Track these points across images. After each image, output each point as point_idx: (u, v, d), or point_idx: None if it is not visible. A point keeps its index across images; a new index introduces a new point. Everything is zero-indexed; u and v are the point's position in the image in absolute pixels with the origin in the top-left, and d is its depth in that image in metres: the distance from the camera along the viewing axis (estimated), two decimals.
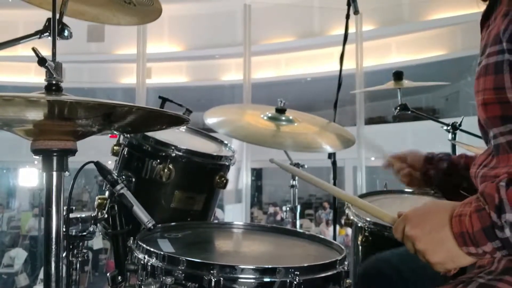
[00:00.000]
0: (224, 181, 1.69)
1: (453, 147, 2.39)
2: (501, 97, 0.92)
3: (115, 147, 1.72)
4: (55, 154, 0.99)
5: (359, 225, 1.69)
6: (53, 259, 0.99)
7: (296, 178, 2.52)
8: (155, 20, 1.46)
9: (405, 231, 0.92)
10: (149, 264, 1.14)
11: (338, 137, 1.91)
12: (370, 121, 13.12)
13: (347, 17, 2.18)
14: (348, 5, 2.15)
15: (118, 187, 1.22)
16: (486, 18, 1.06)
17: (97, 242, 8.54)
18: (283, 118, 1.86)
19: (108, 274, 1.62)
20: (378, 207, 1.04)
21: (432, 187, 1.46)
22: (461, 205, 0.88)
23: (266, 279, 1.06)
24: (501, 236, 0.81)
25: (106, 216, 1.58)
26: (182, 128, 1.95)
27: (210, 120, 1.80)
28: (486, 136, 1.03)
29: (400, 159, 1.51)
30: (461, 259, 0.87)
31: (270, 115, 1.87)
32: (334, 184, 2.38)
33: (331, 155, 2.32)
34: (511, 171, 0.87)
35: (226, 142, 1.91)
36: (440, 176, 1.38)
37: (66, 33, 1.14)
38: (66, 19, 1.16)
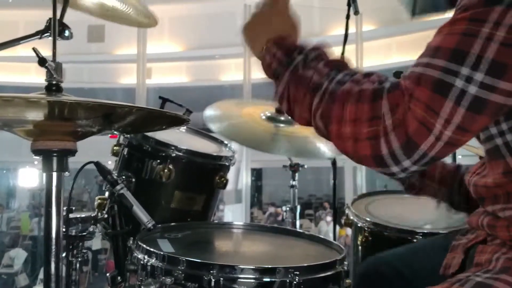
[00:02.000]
0: (224, 181, 1.69)
1: None
2: None
3: (115, 148, 1.72)
4: (55, 154, 0.99)
5: (359, 225, 1.69)
6: (53, 259, 0.99)
7: (296, 178, 2.52)
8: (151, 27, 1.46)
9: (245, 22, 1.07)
10: (149, 264, 1.14)
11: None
12: None
13: (347, 17, 2.18)
14: (348, 5, 2.15)
15: (118, 187, 1.22)
16: None
17: (96, 243, 8.54)
18: (282, 118, 1.86)
19: (108, 274, 1.62)
20: None
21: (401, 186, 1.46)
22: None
23: (266, 279, 1.06)
24: (295, 56, 0.93)
25: (106, 216, 1.58)
26: (182, 128, 1.96)
27: (209, 113, 1.77)
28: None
29: None
30: (256, 48, 1.04)
31: (269, 114, 1.86)
32: (334, 183, 2.39)
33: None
34: (497, 182, 0.88)
35: (226, 142, 1.91)
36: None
37: (66, 33, 1.14)
38: (66, 20, 1.16)
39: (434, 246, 1.22)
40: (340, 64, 0.90)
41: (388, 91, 0.79)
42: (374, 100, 0.79)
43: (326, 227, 10.37)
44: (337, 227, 3.99)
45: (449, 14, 0.85)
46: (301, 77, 0.90)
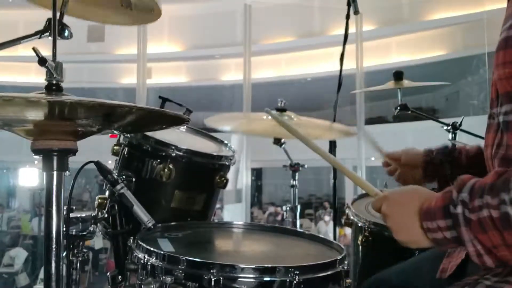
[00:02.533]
0: (224, 181, 1.69)
1: (453, 147, 2.39)
2: None
3: (115, 147, 1.72)
4: (55, 154, 0.99)
5: (359, 225, 1.69)
6: (53, 258, 0.99)
7: (296, 178, 2.52)
8: (154, 21, 1.46)
9: (381, 208, 0.97)
10: (149, 263, 1.14)
11: (340, 135, 1.92)
12: (370, 121, 13.11)
13: (347, 17, 2.18)
14: (348, 5, 2.15)
15: (118, 186, 1.22)
16: None
17: (98, 242, 8.54)
18: (285, 117, 1.86)
19: (108, 274, 1.62)
20: (365, 180, 1.10)
21: (433, 181, 1.48)
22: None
23: (266, 279, 1.06)
24: (453, 211, 0.83)
25: (106, 215, 1.58)
26: (182, 128, 1.96)
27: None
28: (492, 112, 1.00)
29: (394, 159, 1.52)
30: (422, 241, 0.90)
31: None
32: (334, 183, 2.38)
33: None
34: None
35: (226, 142, 1.91)
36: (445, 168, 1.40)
37: (66, 33, 1.14)
38: (66, 19, 1.16)
39: (430, 257, 1.22)
40: (500, 180, 0.80)
41: None
42: None
43: (325, 227, 10.38)
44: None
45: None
46: (481, 223, 0.79)
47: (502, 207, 0.77)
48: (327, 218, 10.78)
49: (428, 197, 0.90)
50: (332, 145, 2.14)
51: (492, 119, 1.00)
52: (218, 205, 9.71)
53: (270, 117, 1.82)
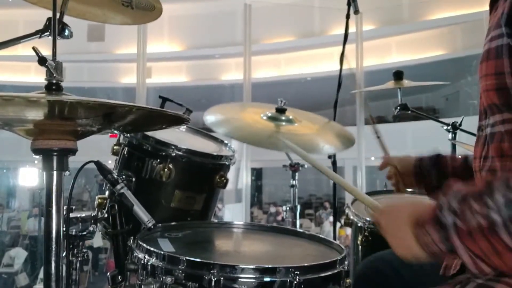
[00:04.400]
0: (224, 180, 1.69)
1: (453, 146, 2.39)
2: (501, 83, 0.90)
3: (115, 147, 1.72)
4: (55, 153, 0.99)
5: (359, 225, 1.70)
6: (53, 258, 0.99)
7: (296, 178, 2.52)
8: (154, 20, 1.46)
9: (379, 221, 0.98)
10: (149, 263, 1.14)
11: (338, 137, 1.91)
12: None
13: (347, 17, 2.19)
14: (348, 5, 2.15)
15: (118, 186, 1.22)
16: (494, 0, 1.02)
17: (97, 240, 8.54)
18: (283, 118, 1.86)
19: (108, 274, 1.62)
20: (365, 194, 1.12)
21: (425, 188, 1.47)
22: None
23: (266, 279, 1.06)
24: (444, 222, 0.81)
25: (106, 215, 1.58)
26: (182, 128, 1.95)
27: (210, 118, 1.80)
28: (481, 124, 1.02)
29: (392, 166, 1.53)
30: (421, 255, 0.89)
31: (270, 114, 1.87)
32: (334, 184, 2.38)
33: (331, 155, 2.32)
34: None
35: (226, 141, 1.91)
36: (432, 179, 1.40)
37: (66, 32, 1.14)
38: (66, 19, 1.16)
39: None
40: (486, 188, 0.80)
41: None
42: None
43: (329, 227, 10.39)
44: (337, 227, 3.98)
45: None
46: (472, 232, 0.79)
47: (488, 213, 0.76)
48: (331, 218, 10.79)
49: (421, 210, 0.89)
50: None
51: (481, 131, 1.01)
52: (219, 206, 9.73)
53: (265, 118, 1.82)
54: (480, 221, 0.77)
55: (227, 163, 1.72)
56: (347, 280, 1.17)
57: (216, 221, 1.76)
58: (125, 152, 1.69)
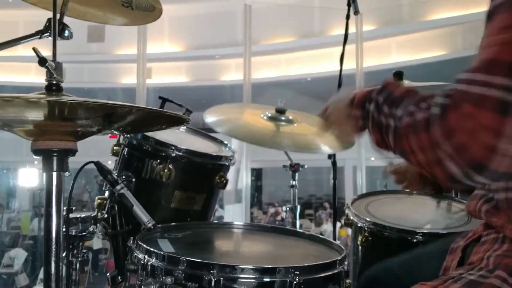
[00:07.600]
0: (224, 181, 1.69)
1: None
2: None
3: (115, 147, 1.72)
4: (55, 154, 0.99)
5: (359, 225, 1.69)
6: (53, 259, 0.99)
7: (296, 178, 2.52)
8: (154, 21, 1.46)
9: (326, 116, 1.16)
10: (149, 264, 1.14)
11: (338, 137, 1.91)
12: None
13: (347, 17, 2.19)
14: (348, 5, 2.15)
15: (118, 187, 1.22)
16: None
17: (97, 243, 8.55)
18: (283, 118, 1.86)
19: (108, 274, 1.62)
20: None
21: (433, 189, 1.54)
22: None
23: (266, 279, 1.06)
24: (366, 106, 0.98)
25: (106, 216, 1.58)
26: (182, 128, 1.95)
27: (210, 118, 1.80)
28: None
29: (400, 173, 1.59)
30: (350, 128, 1.05)
31: (270, 115, 1.87)
32: (334, 183, 2.39)
33: (331, 155, 2.32)
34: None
35: (226, 142, 1.91)
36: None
37: (66, 33, 1.14)
38: (66, 20, 1.16)
39: (434, 251, 1.22)
40: (400, 97, 0.92)
41: (441, 119, 0.77)
42: (428, 129, 0.79)
43: (331, 228, 10.37)
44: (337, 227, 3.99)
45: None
46: (378, 124, 0.95)
47: (391, 118, 0.90)
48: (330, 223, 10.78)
49: (357, 94, 1.05)
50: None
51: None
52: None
53: (265, 117, 1.83)
54: (384, 121, 0.93)
55: (227, 163, 1.72)
56: (347, 281, 1.17)
57: (216, 221, 1.77)
58: (125, 153, 1.69)
